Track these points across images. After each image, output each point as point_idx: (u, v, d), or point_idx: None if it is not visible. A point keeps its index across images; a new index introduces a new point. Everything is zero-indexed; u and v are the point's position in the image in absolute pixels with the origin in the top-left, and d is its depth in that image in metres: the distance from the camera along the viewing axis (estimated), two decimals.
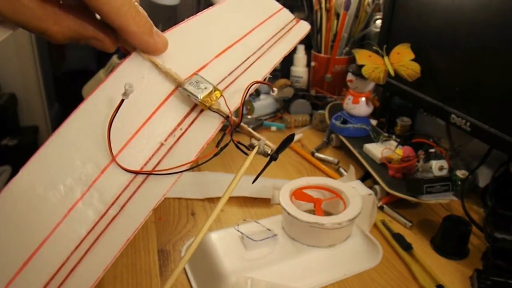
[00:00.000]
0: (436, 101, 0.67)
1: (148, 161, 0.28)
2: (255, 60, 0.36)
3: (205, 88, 0.30)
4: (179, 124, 0.30)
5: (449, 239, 0.55)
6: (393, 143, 0.74)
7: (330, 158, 0.79)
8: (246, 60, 0.35)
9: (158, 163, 0.29)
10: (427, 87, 0.69)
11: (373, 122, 0.85)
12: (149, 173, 0.28)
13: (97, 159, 0.28)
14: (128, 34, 0.28)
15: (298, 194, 0.57)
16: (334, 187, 0.58)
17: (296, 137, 0.89)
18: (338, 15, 0.95)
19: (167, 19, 1.51)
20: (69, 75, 2.38)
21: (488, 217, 0.58)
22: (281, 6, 0.42)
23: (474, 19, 0.59)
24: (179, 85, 0.31)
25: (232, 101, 0.32)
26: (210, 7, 0.37)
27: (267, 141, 0.32)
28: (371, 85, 0.78)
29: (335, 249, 0.52)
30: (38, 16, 0.26)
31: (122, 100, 0.28)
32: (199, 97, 0.30)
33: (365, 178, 0.71)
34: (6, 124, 1.76)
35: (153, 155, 0.29)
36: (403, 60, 0.69)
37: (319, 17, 0.97)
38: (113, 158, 0.27)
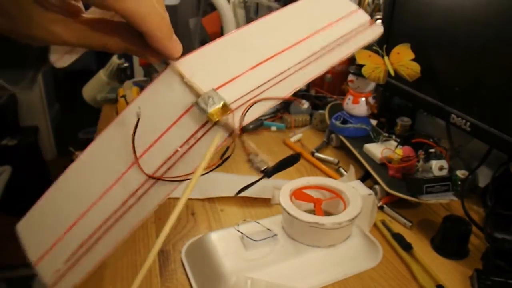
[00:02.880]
0: (436, 101, 0.67)
1: (163, 164, 0.33)
2: (297, 70, 0.36)
3: (214, 103, 0.32)
4: (194, 134, 0.33)
5: (449, 239, 0.55)
6: (393, 143, 0.74)
7: (330, 158, 0.79)
8: (283, 72, 0.35)
9: (171, 166, 0.33)
10: (427, 87, 0.69)
11: (373, 122, 0.85)
12: (158, 179, 0.33)
13: (127, 158, 0.33)
14: (152, 38, 0.31)
15: (298, 194, 0.57)
16: (334, 187, 0.58)
17: (296, 137, 0.89)
18: None
19: None
20: (69, 75, 2.39)
21: (488, 217, 0.58)
22: (357, 7, 0.41)
23: (474, 18, 0.59)
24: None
25: (249, 116, 0.33)
26: (275, 12, 0.38)
27: (265, 157, 0.33)
28: (371, 85, 0.78)
29: (335, 249, 0.52)
30: (97, 36, 0.32)
31: (138, 120, 0.32)
32: (207, 112, 0.31)
33: (365, 178, 0.71)
34: (6, 124, 1.76)
35: (168, 159, 0.33)
36: (403, 60, 0.69)
37: None
38: (136, 160, 0.33)
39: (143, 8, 0.29)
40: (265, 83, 0.34)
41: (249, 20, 1.26)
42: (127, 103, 0.99)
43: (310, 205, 0.57)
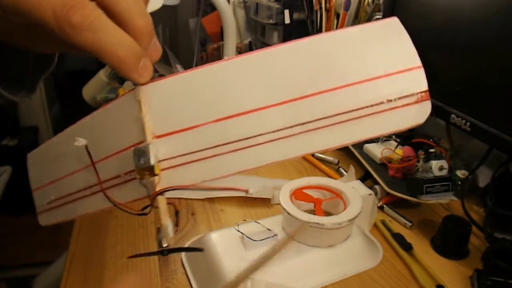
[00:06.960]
0: (436, 101, 0.67)
1: (111, 179, 0.32)
2: (277, 139, 0.27)
3: (144, 162, 0.28)
4: (129, 172, 0.31)
5: (449, 239, 0.55)
6: (393, 143, 0.73)
7: (330, 158, 0.79)
8: (253, 137, 0.27)
9: (116, 185, 0.32)
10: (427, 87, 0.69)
11: None
12: (99, 191, 0.33)
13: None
14: (116, 70, 0.28)
15: (298, 194, 0.57)
16: (334, 187, 0.58)
17: None
18: (338, 15, 0.95)
19: (167, 19, 1.51)
20: (69, 75, 2.39)
21: (488, 217, 0.58)
22: (418, 63, 0.30)
23: (474, 18, 0.59)
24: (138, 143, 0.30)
25: (180, 178, 0.29)
26: (295, 40, 0.28)
27: (170, 233, 0.30)
28: None
29: (335, 249, 0.52)
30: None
31: (86, 145, 0.32)
32: (134, 167, 0.29)
33: (365, 178, 0.71)
34: (6, 124, 1.76)
35: (114, 178, 0.32)
36: None
37: (319, 17, 0.97)
38: (92, 163, 0.33)
39: (104, 41, 0.26)
40: (220, 145, 0.27)
41: (248, 20, 1.26)
42: None
43: (310, 205, 0.57)
